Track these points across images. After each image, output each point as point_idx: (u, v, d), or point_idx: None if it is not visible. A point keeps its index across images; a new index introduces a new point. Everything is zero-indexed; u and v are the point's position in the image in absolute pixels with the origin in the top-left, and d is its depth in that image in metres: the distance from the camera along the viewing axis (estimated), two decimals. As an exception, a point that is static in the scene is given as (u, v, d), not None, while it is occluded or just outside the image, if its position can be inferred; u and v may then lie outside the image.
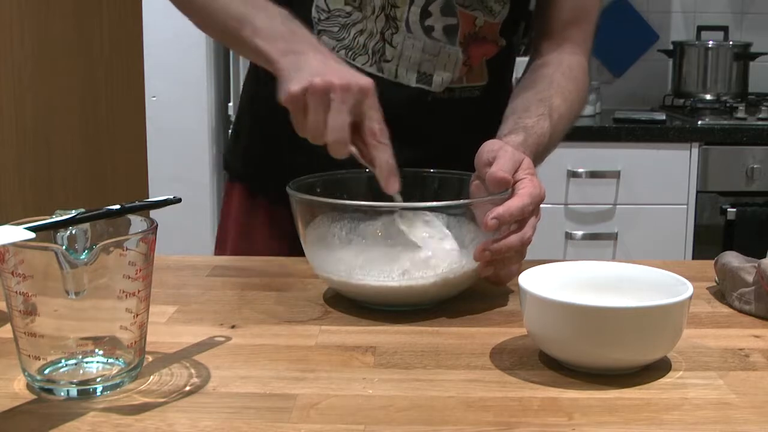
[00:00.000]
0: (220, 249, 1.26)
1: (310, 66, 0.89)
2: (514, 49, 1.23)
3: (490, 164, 0.91)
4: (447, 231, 0.91)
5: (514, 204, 0.87)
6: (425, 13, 1.08)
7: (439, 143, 1.14)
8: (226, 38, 1.04)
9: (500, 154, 0.92)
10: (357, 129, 0.88)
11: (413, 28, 1.08)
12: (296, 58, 0.90)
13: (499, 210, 0.86)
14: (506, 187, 0.89)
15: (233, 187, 1.26)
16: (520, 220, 0.88)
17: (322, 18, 1.09)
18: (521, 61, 1.23)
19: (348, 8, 1.08)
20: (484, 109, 1.15)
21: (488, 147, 0.94)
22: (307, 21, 1.10)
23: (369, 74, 1.08)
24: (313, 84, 0.86)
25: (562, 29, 1.17)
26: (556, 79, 1.11)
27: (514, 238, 0.87)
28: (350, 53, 1.10)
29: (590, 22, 1.19)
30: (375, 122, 0.87)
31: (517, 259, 0.90)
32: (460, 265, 0.88)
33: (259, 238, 1.21)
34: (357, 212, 0.90)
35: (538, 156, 0.99)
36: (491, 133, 1.05)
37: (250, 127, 1.24)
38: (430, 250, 0.88)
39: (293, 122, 0.89)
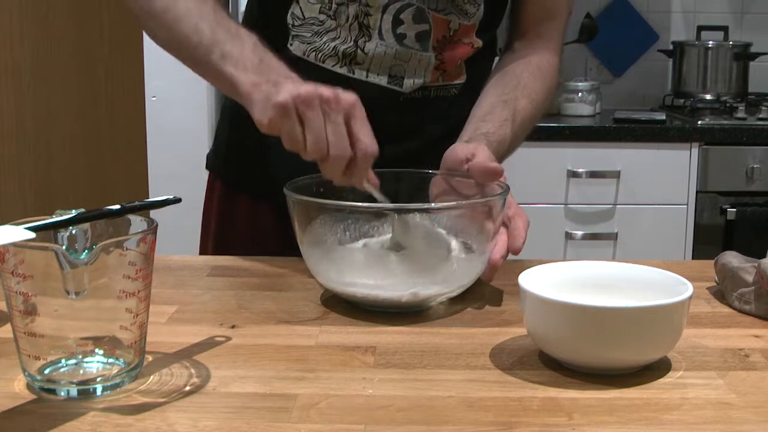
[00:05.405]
0: (203, 248, 1.26)
1: (286, 89, 0.86)
2: (495, 46, 1.23)
3: (468, 160, 0.93)
4: (445, 235, 0.91)
5: (515, 244, 0.92)
6: (397, 21, 1.08)
7: (414, 140, 1.14)
8: (192, 60, 1.00)
9: (479, 150, 0.94)
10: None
11: (386, 36, 1.08)
12: (269, 88, 0.87)
13: (503, 252, 0.91)
14: (499, 176, 0.90)
15: (214, 184, 1.25)
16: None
17: (296, 24, 1.09)
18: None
19: (322, 17, 1.08)
20: (461, 105, 1.15)
21: (462, 146, 0.97)
22: (282, 26, 1.10)
23: (339, 74, 1.08)
24: (300, 93, 0.84)
25: (533, 27, 1.18)
26: (524, 78, 1.12)
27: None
28: (320, 55, 1.09)
29: (561, 20, 1.19)
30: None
31: None
32: (462, 268, 0.88)
33: (239, 235, 1.21)
34: (355, 213, 0.89)
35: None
36: None
37: (229, 126, 1.24)
38: (433, 257, 0.88)
39: (283, 137, 0.86)
